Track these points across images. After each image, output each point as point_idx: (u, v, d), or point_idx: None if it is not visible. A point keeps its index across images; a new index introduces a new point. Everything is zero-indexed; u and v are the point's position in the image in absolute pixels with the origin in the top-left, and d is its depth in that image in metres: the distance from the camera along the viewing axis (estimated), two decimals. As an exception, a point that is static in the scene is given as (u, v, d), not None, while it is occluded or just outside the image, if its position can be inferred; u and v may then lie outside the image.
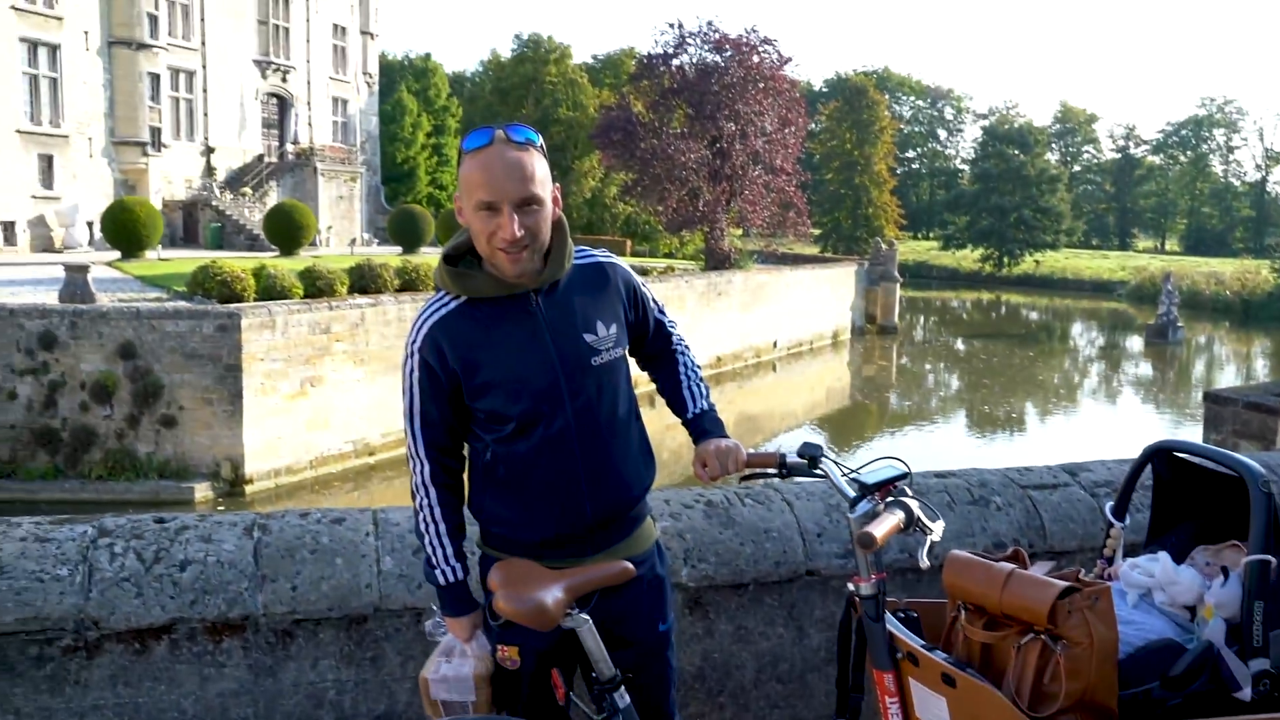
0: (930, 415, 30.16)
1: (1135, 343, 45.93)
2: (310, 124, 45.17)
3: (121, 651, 2.71)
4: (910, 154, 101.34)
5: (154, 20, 36.20)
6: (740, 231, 41.64)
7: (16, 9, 31.75)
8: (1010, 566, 2.20)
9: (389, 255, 29.10)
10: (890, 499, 2.19)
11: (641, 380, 2.47)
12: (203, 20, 39.42)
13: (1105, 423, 29.06)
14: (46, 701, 2.66)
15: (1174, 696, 2.16)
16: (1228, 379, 37.70)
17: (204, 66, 39.68)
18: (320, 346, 18.74)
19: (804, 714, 3.29)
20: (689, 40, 37.56)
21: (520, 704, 2.33)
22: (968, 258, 77.54)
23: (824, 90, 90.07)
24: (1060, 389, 35.31)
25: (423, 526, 2.31)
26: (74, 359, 16.97)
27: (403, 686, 2.88)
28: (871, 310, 44.64)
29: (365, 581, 2.87)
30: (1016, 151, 74.43)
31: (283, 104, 44.27)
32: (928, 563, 2.14)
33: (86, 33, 34.31)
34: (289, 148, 43.65)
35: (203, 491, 16.96)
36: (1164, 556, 2.47)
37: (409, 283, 22.41)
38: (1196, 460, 2.66)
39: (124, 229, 28.30)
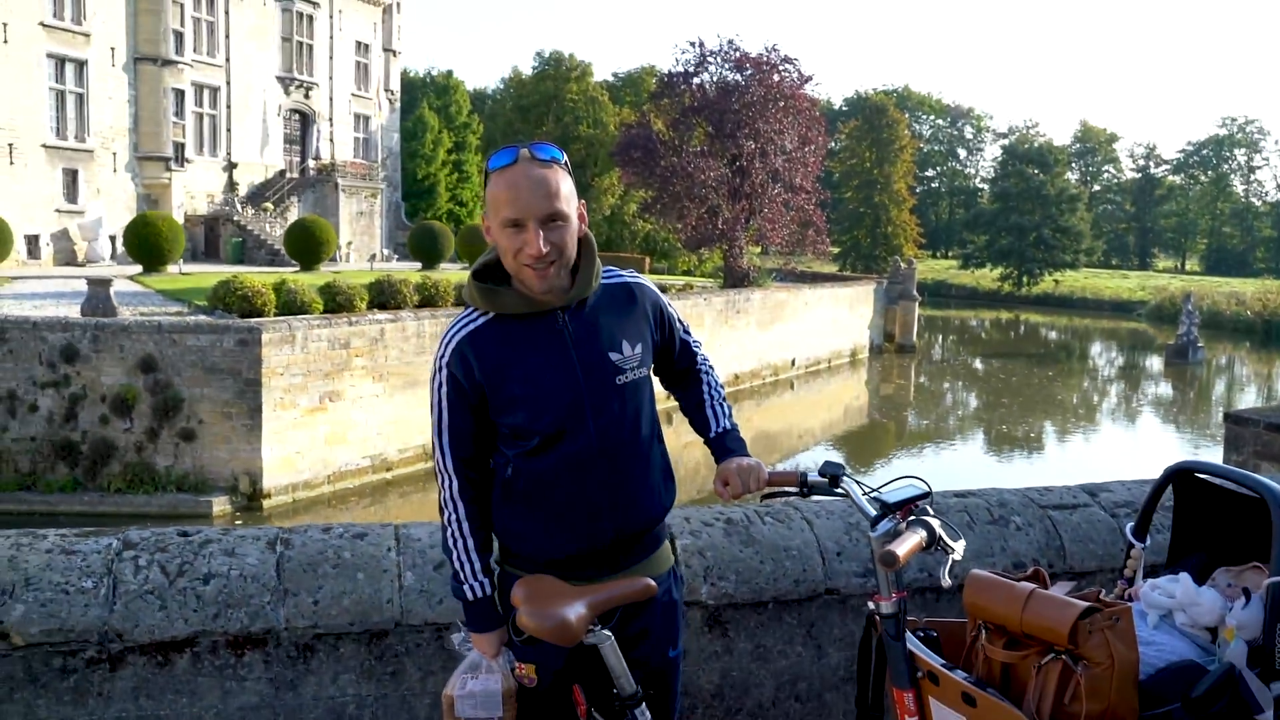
0: (948, 434, 30.03)
1: (1155, 363, 45.64)
2: (332, 140, 45.51)
3: (144, 664, 2.73)
4: (930, 173, 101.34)
5: (179, 37, 36.61)
6: (759, 249, 41.66)
7: (45, 25, 32.17)
8: (1031, 586, 2.20)
9: (409, 271, 29.26)
10: (912, 518, 2.20)
11: (660, 396, 2.48)
12: (227, 37, 39.84)
13: (1125, 443, 28.86)
14: (70, 713, 2.69)
15: (1195, 718, 2.15)
16: (1249, 400, 37.39)
17: (228, 83, 40.07)
18: (339, 362, 18.83)
19: (822, 733, 3.28)
20: (710, 59, 37.71)
21: None
22: (987, 277, 77.33)
23: (844, 109, 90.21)
24: (1079, 409, 35.10)
25: (450, 541, 2.32)
26: (95, 372, 17.09)
27: (422, 702, 2.89)
28: (890, 329, 44.54)
29: (386, 597, 2.88)
30: (1036, 171, 74.27)
31: (305, 120, 44.63)
32: (950, 581, 2.15)
33: (113, 49, 34.72)
34: (311, 163, 43.98)
35: (221, 505, 17.03)
36: (1185, 577, 2.47)
37: (428, 299, 22.50)
38: (1218, 481, 2.65)
39: (146, 243, 28.54)
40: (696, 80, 37.91)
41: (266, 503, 17.43)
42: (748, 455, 2.43)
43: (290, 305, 19.88)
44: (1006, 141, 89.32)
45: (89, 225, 33.75)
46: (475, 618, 2.31)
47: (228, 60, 39.95)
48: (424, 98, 56.32)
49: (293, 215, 38.71)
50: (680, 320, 2.51)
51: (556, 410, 2.23)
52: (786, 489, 2.44)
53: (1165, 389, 39.73)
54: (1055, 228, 71.64)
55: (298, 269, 31.19)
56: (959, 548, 2.17)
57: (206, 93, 39.23)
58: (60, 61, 33.08)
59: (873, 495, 2.33)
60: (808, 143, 37.67)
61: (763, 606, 3.20)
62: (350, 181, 43.45)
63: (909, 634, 2.28)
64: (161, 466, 17.22)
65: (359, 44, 47.36)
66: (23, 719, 2.65)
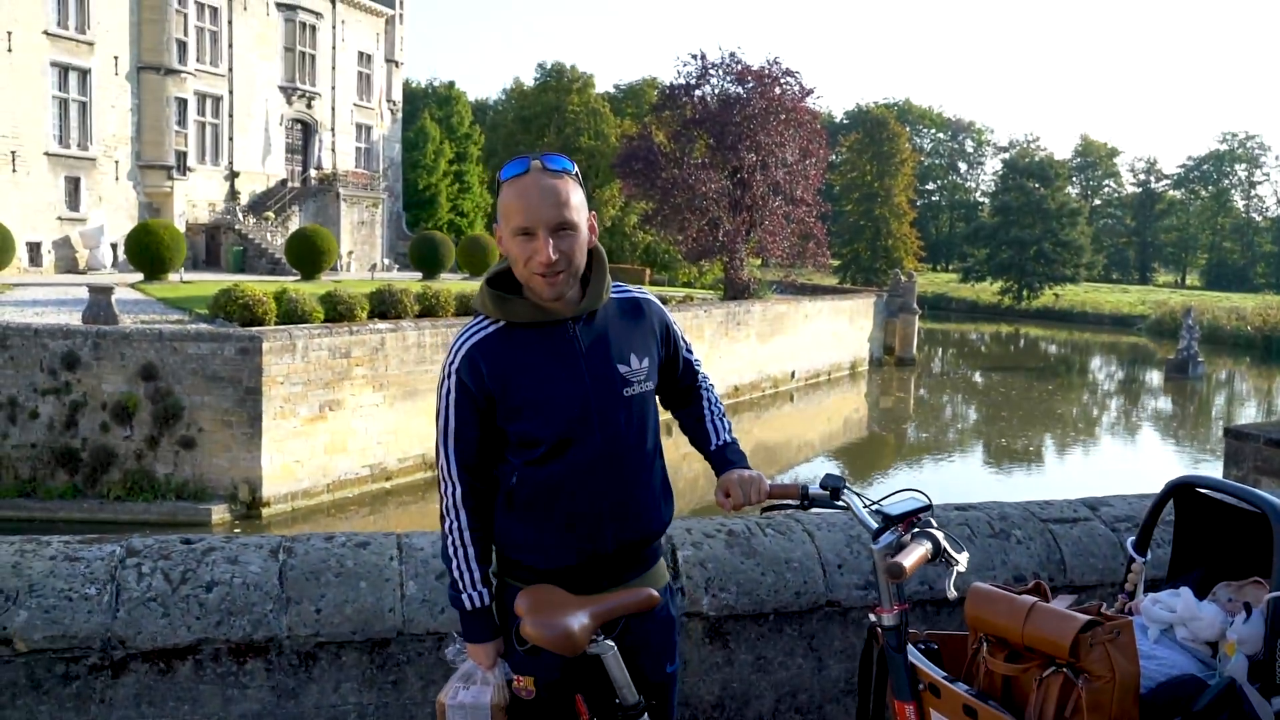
0: (948, 448, 30.02)
1: (1155, 377, 45.64)
2: (334, 150, 45.62)
3: (146, 671, 2.74)
4: (930, 186, 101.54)
5: (183, 46, 36.71)
6: (759, 261, 41.73)
7: (49, 34, 32.26)
8: (1032, 599, 2.21)
9: (409, 281, 29.31)
10: (916, 530, 2.21)
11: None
12: (230, 47, 39.95)
13: (1124, 458, 28.84)
14: (72, 719, 2.69)
15: (1196, 733, 2.16)
16: (1248, 415, 37.40)
17: (230, 92, 40.17)
18: (340, 371, 18.84)
19: (822, 745, 3.29)
20: (711, 71, 37.84)
21: None
22: (987, 290, 77.42)
23: (845, 122, 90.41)
24: (1079, 423, 35.09)
25: (451, 550, 2.32)
26: (96, 379, 17.10)
27: (423, 711, 2.89)
28: (890, 342, 44.56)
29: (389, 606, 2.89)
30: (1037, 185, 74.41)
31: (307, 130, 44.73)
32: (954, 593, 2.16)
33: (116, 58, 34.82)
34: (312, 173, 44.07)
35: (220, 514, 17.01)
36: (1186, 592, 2.48)
37: (429, 309, 22.53)
38: (1219, 496, 2.66)
39: (147, 251, 28.58)
40: (698, 92, 38.03)
41: (266, 511, 17.42)
42: (749, 467, 2.45)
43: (291, 314, 19.90)
44: (1007, 155, 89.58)
45: (91, 233, 33.80)
46: (472, 628, 2.31)
47: (230, 70, 40.05)
48: (426, 108, 56.47)
49: (294, 224, 38.78)
50: (684, 339, 2.54)
51: (564, 418, 2.25)
52: (787, 501, 2.45)
53: (1165, 403, 39.73)
54: (1055, 242, 71.74)
55: (298, 278, 31.23)
56: (963, 559, 2.19)
57: (209, 102, 39.33)
58: (64, 70, 33.16)
59: (874, 508, 2.34)
60: (809, 155, 37.77)
61: (764, 618, 3.21)
62: (351, 191, 43.52)
63: (910, 646, 2.29)
64: (161, 474, 17.22)
65: (361, 54, 47.51)
66: (25, 725, 2.65)
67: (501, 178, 2.26)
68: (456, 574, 2.31)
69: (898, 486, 2.54)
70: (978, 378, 45.08)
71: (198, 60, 38.05)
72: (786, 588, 3.22)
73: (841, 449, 29.56)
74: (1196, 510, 2.73)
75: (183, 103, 37.07)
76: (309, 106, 44.29)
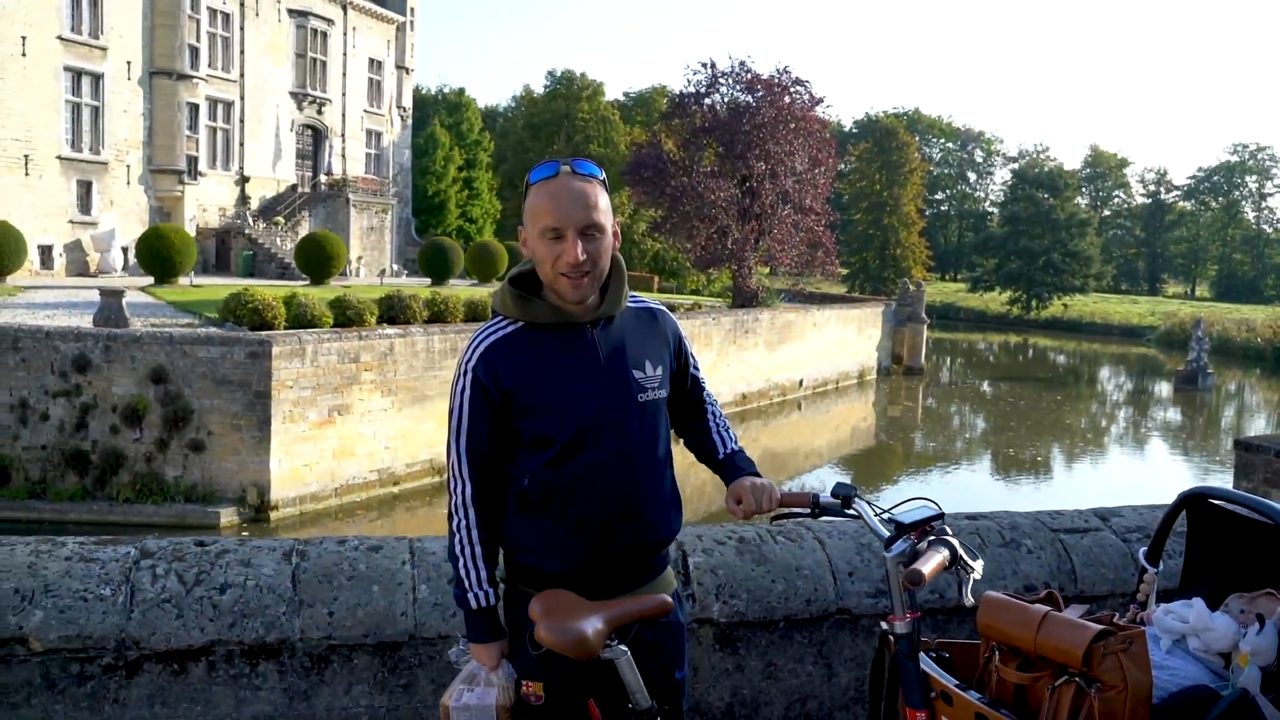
0: (956, 457, 29.97)
1: (1164, 388, 45.52)
2: (344, 155, 45.76)
3: (160, 672, 2.75)
4: (939, 195, 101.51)
5: (195, 52, 36.90)
6: (768, 270, 41.73)
7: (63, 39, 32.45)
8: (1045, 609, 2.21)
9: (418, 286, 29.34)
10: (931, 538, 2.22)
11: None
12: (242, 53, 40.13)
13: (1133, 469, 28.77)
14: (85, 719, 2.71)
15: (1209, 744, 2.16)
16: (1259, 427, 37.25)
17: (242, 98, 40.35)
18: (349, 376, 18.88)
19: (832, 753, 3.29)
20: (721, 80, 37.87)
21: None
22: (995, 300, 77.32)
23: (854, 131, 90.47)
24: (1087, 433, 35.00)
25: (458, 549, 2.33)
26: (106, 382, 17.17)
27: (434, 714, 2.90)
28: (898, 351, 44.51)
29: (401, 609, 2.90)
30: (1046, 195, 74.32)
31: (317, 135, 44.90)
32: (971, 600, 2.16)
33: (129, 63, 35.01)
34: (322, 178, 44.22)
35: (228, 517, 17.05)
36: (1198, 603, 2.47)
37: (438, 314, 22.57)
38: (1231, 508, 2.66)
39: (158, 255, 28.69)
40: (708, 101, 38.07)
41: (274, 515, 17.46)
42: (758, 475, 2.46)
43: (300, 319, 19.96)
44: (1016, 165, 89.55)
45: (102, 236, 33.96)
46: (476, 628, 2.32)
47: (242, 75, 40.24)
48: (435, 115, 56.64)
49: (304, 229, 38.89)
50: (692, 355, 2.57)
51: (579, 419, 2.26)
52: (798, 509, 2.45)
53: (1174, 415, 39.61)
54: (1065, 252, 71.62)
55: (308, 283, 31.32)
56: (978, 567, 2.19)
57: (220, 107, 39.50)
58: (77, 74, 33.35)
59: (886, 516, 2.34)
60: (818, 164, 37.76)
61: (774, 625, 3.21)
62: (361, 197, 43.66)
63: (922, 654, 2.29)
64: (170, 477, 17.27)
65: (372, 61, 47.68)
66: (39, 725, 2.67)
67: (531, 179, 2.29)
68: (462, 572, 2.31)
69: (906, 495, 2.54)
70: (986, 387, 45.00)
71: (209, 66, 38.24)
72: (797, 595, 3.22)
73: (849, 458, 29.52)
74: (1209, 521, 2.73)
75: (194, 108, 37.25)
76: (319, 112, 44.46)
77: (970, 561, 2.18)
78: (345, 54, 45.46)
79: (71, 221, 33.33)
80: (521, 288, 2.34)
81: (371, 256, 43.60)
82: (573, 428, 2.26)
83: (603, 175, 2.32)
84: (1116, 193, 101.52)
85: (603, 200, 2.27)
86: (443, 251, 37.08)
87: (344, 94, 45.64)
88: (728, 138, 36.67)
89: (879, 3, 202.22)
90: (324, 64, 44.41)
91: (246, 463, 17.40)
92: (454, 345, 20.89)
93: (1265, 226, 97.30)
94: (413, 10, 50.08)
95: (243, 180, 40.72)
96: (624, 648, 2.18)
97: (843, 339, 39.66)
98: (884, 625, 2.30)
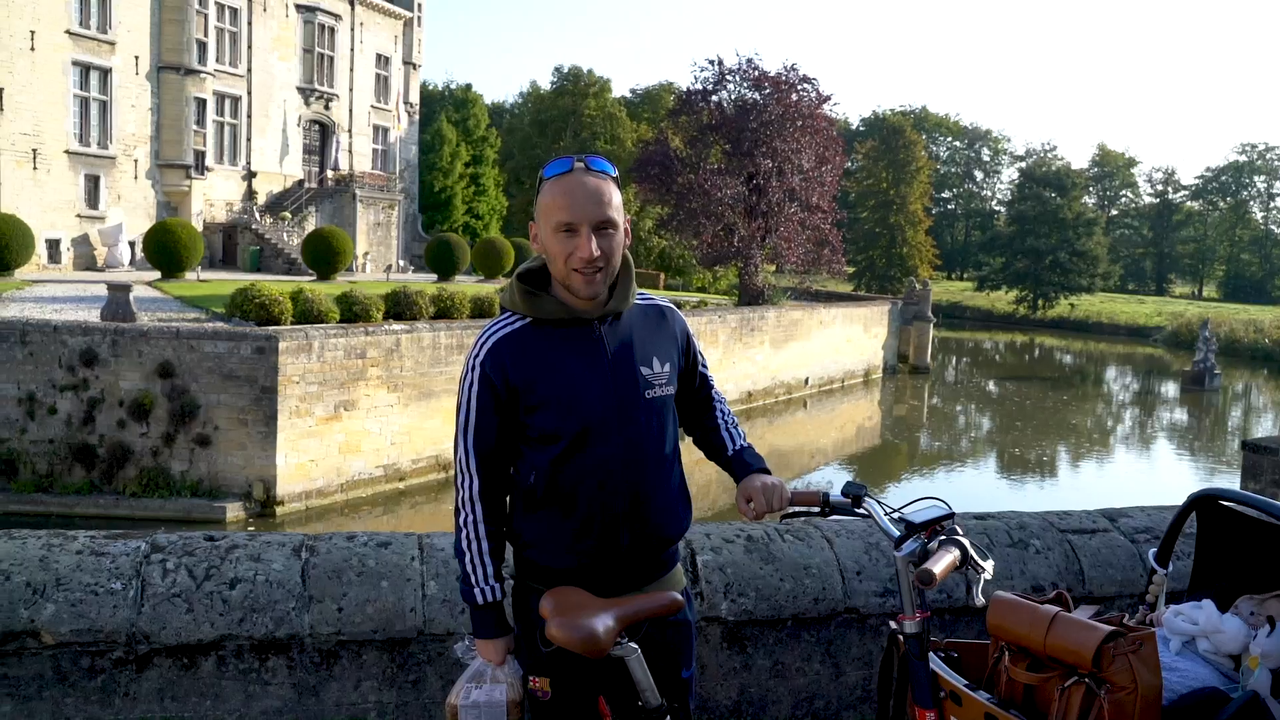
0: (961, 456, 29.93)
1: (1171, 389, 45.43)
2: (351, 151, 45.78)
3: (170, 666, 2.76)
4: (946, 194, 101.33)
5: (203, 47, 36.93)
6: (774, 268, 41.70)
7: (71, 33, 32.48)
8: (1055, 609, 2.21)
9: (424, 282, 29.37)
10: (942, 538, 2.21)
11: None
12: (250, 48, 40.15)
13: (1140, 469, 28.72)
14: (96, 712, 2.71)
15: (1219, 746, 2.16)
16: (1266, 428, 37.16)
17: (249, 93, 40.37)
18: (355, 371, 18.90)
19: (839, 752, 3.29)
20: (728, 77, 37.83)
21: None
22: (1002, 299, 77.20)
23: (861, 129, 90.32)
24: (1094, 433, 34.94)
25: (464, 544, 2.33)
26: (114, 376, 17.21)
27: (443, 710, 2.90)
28: (904, 350, 44.46)
29: (410, 605, 2.90)
30: (1053, 194, 74.14)
31: (324, 131, 44.91)
32: (982, 600, 2.16)
33: (137, 58, 35.03)
34: (329, 174, 44.23)
35: (234, 511, 17.09)
36: (1208, 604, 2.47)
37: (444, 310, 22.58)
38: (1241, 509, 2.65)
39: (165, 250, 28.72)
40: (715, 98, 38.03)
41: (280, 510, 17.49)
42: (768, 471, 2.45)
43: (307, 314, 19.98)
44: (1024, 164, 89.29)
45: (109, 231, 34.00)
46: (482, 623, 2.32)
47: (249, 70, 40.25)
48: (442, 111, 56.63)
49: (310, 225, 38.93)
50: (700, 353, 2.56)
51: (586, 414, 2.27)
52: (808, 508, 2.45)
53: (1181, 415, 39.53)
54: (1072, 251, 71.46)
55: (314, 278, 31.34)
56: (989, 567, 2.19)
57: (228, 102, 39.52)
58: (85, 69, 33.38)
59: (896, 515, 2.34)
60: (825, 162, 37.71)
61: (782, 624, 3.21)
62: (368, 192, 43.67)
63: (931, 654, 2.29)
64: (176, 471, 17.31)
65: (379, 56, 47.68)
66: (50, 717, 2.67)
67: (544, 175, 2.30)
68: (469, 567, 2.32)
69: (912, 495, 2.54)
70: (992, 387, 44.94)
71: (217, 61, 38.26)
72: (805, 594, 3.22)
73: (854, 456, 29.50)
74: (1219, 523, 2.72)
75: (202, 103, 37.27)
76: (327, 108, 44.48)
77: (981, 562, 2.18)
78: (353, 50, 45.47)
79: (79, 216, 33.37)
80: (530, 283, 2.35)
81: (378, 252, 43.62)
82: (579, 423, 2.26)
83: (615, 172, 2.32)
84: (1124, 192, 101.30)
85: (616, 197, 2.28)
86: (449, 247, 37.09)
87: (351, 90, 45.64)
88: (735, 135, 36.64)
89: (887, 1, 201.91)
90: (331, 60, 44.42)
91: (253, 458, 17.43)
92: (460, 341, 20.90)
93: (1273, 227, 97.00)
94: (420, 6, 50.05)
95: (250, 175, 40.75)
96: (634, 645, 2.18)
97: (849, 337, 39.61)
98: (893, 624, 2.30)
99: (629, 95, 71.42)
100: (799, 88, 37.18)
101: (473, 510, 2.32)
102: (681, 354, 2.46)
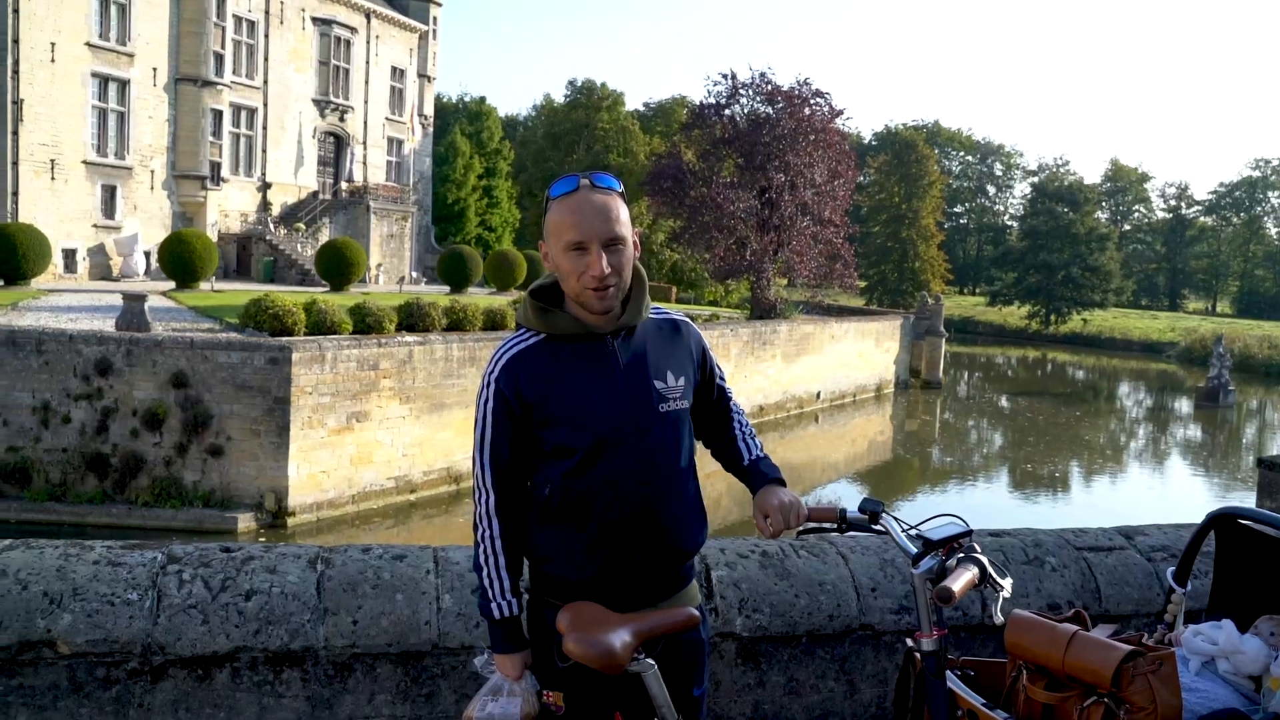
0: (973, 472, 29.82)
1: (1185, 405, 45.20)
2: (365, 163, 46.00)
3: (185, 677, 2.76)
4: (959, 209, 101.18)
5: (220, 59, 37.20)
6: (786, 281, 41.70)
7: (91, 45, 32.76)
8: (1074, 628, 2.20)
9: (437, 294, 29.44)
10: (961, 555, 2.21)
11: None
12: (266, 60, 40.43)
13: (1154, 486, 28.57)
14: (111, 723, 2.72)
15: (1240, 768, 2.14)
16: (1280, 446, 36.95)
17: (265, 104, 40.63)
18: (368, 382, 18.94)
19: (853, 770, 3.27)
20: (741, 91, 37.91)
21: None
22: (1014, 314, 77.00)
23: (873, 143, 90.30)
24: (1106, 450, 34.77)
25: (482, 558, 2.35)
26: (128, 386, 17.28)
27: (457, 724, 2.90)
28: (916, 364, 44.36)
29: (424, 619, 2.90)
30: (1066, 209, 73.99)
31: (339, 143, 45.15)
32: (1000, 618, 2.15)
33: (155, 69, 35.31)
34: (343, 185, 44.45)
35: (246, 522, 17.12)
36: (1228, 624, 2.45)
37: (456, 322, 22.62)
38: (1261, 528, 2.64)
39: (180, 260, 28.88)
40: (728, 112, 38.12)
41: (291, 521, 17.51)
42: (784, 483, 2.45)
43: (320, 325, 20.05)
44: (1036, 179, 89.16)
45: (125, 241, 34.22)
46: (500, 638, 2.33)
47: (265, 82, 40.53)
48: (456, 123, 56.87)
49: (324, 236, 39.12)
50: (717, 366, 2.58)
51: (599, 427, 2.28)
52: (825, 524, 2.45)
53: (1195, 432, 39.33)
54: (1084, 267, 71.27)
55: (328, 289, 31.46)
56: (1008, 585, 2.18)
57: (244, 114, 39.79)
58: (104, 80, 33.66)
59: (914, 532, 2.33)
60: (837, 176, 37.73)
61: (796, 640, 3.20)
62: (382, 204, 43.86)
63: (948, 672, 2.28)
64: (189, 481, 17.36)
65: (394, 69, 47.94)
66: (65, 728, 2.68)
67: (551, 195, 2.32)
68: (486, 582, 2.33)
69: (923, 510, 2.54)
70: (1004, 402, 44.79)
71: (234, 73, 38.54)
72: (820, 610, 3.21)
73: (866, 471, 29.42)
74: (1238, 542, 2.70)
75: (218, 114, 37.54)
76: (341, 120, 44.72)
77: (1000, 580, 2.17)
78: (368, 62, 45.74)
79: (95, 226, 33.60)
80: (543, 300, 2.37)
81: (391, 264, 43.79)
82: (592, 437, 2.28)
83: (621, 187, 2.34)
84: (1137, 207, 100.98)
85: (623, 213, 2.30)
86: (462, 259, 37.21)
87: (366, 102, 45.91)
88: (747, 149, 36.69)
89: (899, 15, 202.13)
90: (347, 72, 44.69)
91: (265, 468, 17.47)
92: (472, 354, 20.93)
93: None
94: (435, 19, 50.34)
95: (265, 186, 40.98)
96: (651, 661, 2.18)
97: (860, 352, 39.55)
98: (910, 642, 2.29)
99: (642, 109, 71.67)
100: (812, 102, 37.24)
101: (490, 525, 2.34)
102: (697, 368, 2.47)
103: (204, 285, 29.83)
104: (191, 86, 36.29)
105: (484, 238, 54.64)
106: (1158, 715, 2.05)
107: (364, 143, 46.06)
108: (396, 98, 48.38)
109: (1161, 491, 27.51)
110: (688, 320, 2.52)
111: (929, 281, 72.15)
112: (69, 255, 32.60)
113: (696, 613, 2.31)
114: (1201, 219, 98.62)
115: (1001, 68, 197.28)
